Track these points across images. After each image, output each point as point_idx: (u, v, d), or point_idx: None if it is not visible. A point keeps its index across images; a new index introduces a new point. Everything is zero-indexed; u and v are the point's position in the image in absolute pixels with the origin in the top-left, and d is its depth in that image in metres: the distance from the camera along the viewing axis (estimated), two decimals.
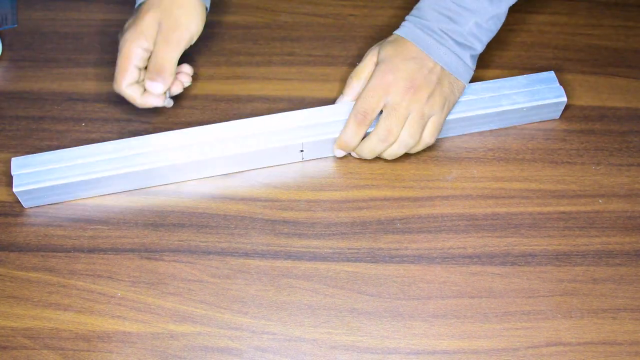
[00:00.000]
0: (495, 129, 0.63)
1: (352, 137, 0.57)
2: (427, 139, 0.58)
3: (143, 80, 0.58)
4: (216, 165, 0.58)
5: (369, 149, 0.58)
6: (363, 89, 0.58)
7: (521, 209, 0.58)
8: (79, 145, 0.57)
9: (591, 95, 0.66)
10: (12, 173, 0.56)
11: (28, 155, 0.57)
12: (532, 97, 0.61)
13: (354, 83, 0.60)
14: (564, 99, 0.61)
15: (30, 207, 0.57)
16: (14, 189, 0.55)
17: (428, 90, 0.56)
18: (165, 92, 0.58)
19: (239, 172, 0.59)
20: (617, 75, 0.68)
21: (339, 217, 0.57)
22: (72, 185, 0.56)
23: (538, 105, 0.61)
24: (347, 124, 0.58)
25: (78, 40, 0.70)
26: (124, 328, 0.51)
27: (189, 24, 0.57)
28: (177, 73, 0.59)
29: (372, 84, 0.57)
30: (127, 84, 0.56)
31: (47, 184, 0.55)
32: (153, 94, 0.57)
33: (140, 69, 0.57)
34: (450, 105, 0.58)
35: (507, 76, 0.63)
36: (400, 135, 0.57)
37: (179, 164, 0.57)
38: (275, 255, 0.55)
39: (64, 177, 0.56)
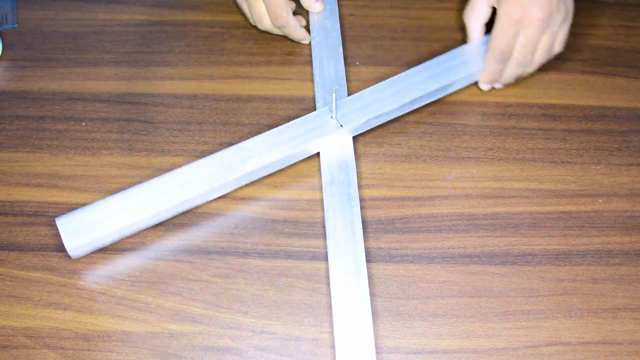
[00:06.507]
0: (496, 128, 0.63)
1: (495, 73, 0.63)
2: (559, 48, 0.63)
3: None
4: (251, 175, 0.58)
5: (512, 76, 0.64)
6: (495, 29, 0.61)
7: (521, 208, 0.58)
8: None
9: (591, 95, 0.66)
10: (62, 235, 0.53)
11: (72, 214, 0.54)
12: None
13: (474, 25, 0.65)
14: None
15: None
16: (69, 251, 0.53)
17: (557, 15, 0.60)
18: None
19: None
20: (617, 75, 0.68)
21: None
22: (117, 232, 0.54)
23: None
24: (487, 63, 0.63)
25: (78, 40, 0.70)
26: (124, 328, 0.51)
27: None
28: None
29: (503, 24, 0.60)
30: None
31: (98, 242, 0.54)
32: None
33: None
34: (570, 10, 0.62)
35: None
36: (535, 57, 0.62)
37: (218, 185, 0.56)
38: (275, 255, 0.55)
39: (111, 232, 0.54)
